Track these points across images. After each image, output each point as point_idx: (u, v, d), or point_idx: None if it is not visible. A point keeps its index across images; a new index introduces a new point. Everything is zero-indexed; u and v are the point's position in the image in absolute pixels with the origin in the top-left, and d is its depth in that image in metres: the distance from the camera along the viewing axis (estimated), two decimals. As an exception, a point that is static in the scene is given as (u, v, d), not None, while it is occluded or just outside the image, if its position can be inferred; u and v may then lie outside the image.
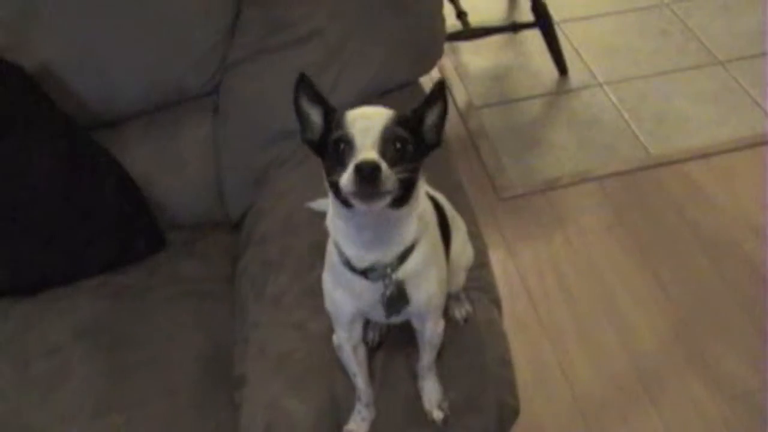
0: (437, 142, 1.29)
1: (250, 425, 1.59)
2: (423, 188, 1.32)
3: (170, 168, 2.17)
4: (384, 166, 1.12)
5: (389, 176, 1.13)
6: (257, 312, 1.79)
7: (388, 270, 1.31)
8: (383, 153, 1.15)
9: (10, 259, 1.97)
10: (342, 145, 1.18)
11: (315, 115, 1.28)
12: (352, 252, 1.31)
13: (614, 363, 2.60)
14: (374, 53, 2.10)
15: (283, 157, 2.04)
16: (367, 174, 1.11)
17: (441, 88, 1.27)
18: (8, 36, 2.00)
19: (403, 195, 1.20)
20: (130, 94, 2.14)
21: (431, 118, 1.27)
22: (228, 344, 1.83)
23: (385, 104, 1.26)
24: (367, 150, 1.15)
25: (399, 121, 1.19)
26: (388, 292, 1.33)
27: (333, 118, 1.24)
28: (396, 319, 1.43)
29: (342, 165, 1.16)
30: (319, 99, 1.27)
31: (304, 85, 1.28)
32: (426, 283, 1.37)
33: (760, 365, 2.54)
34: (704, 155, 3.31)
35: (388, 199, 1.15)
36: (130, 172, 2.08)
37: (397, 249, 1.30)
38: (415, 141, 1.21)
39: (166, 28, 2.09)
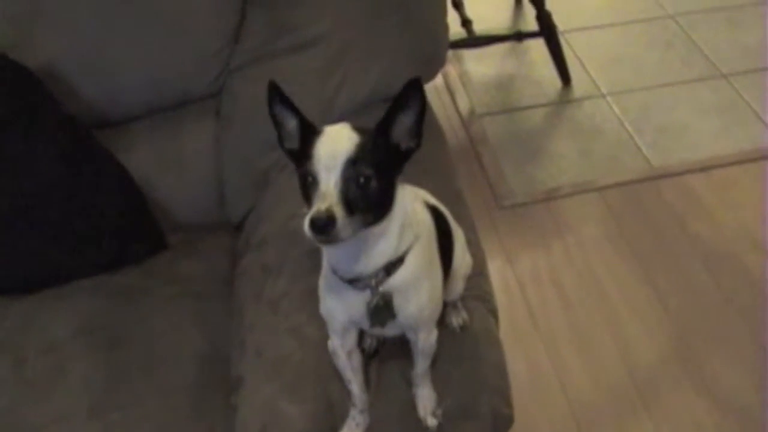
0: (416, 145, 1.26)
1: (245, 427, 1.60)
2: (405, 199, 1.30)
3: (172, 169, 2.17)
4: (340, 214, 1.14)
5: (345, 225, 1.15)
6: (255, 315, 1.80)
7: (373, 281, 1.31)
8: (345, 193, 1.17)
9: (10, 257, 1.97)
10: (309, 179, 1.20)
11: (291, 125, 1.29)
12: (336, 262, 1.33)
13: (611, 373, 2.60)
14: (377, 60, 2.10)
15: (284, 161, 2.03)
16: (321, 228, 1.13)
17: (416, 86, 1.22)
18: (13, 34, 2.01)
19: (376, 217, 1.22)
20: (134, 95, 2.15)
21: (405, 121, 1.24)
22: (225, 345, 1.83)
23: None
24: (327, 194, 1.16)
25: (364, 150, 1.19)
26: (372, 303, 1.33)
27: (308, 131, 1.25)
28: (387, 332, 1.43)
29: (308, 200, 1.20)
30: (293, 108, 1.28)
31: (276, 93, 1.29)
32: (416, 296, 1.36)
33: (758, 379, 2.54)
34: (705, 168, 3.32)
35: (347, 240, 1.17)
36: (132, 173, 2.08)
37: (378, 261, 1.30)
38: (385, 163, 1.21)
39: (170, 31, 2.10)
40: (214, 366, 1.81)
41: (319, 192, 1.17)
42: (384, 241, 1.28)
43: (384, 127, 1.24)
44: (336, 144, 1.20)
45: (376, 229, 1.25)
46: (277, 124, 1.31)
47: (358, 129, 1.23)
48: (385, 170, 1.21)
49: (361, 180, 1.18)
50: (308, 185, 1.20)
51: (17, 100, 1.92)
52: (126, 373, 1.79)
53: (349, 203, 1.16)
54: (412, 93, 1.22)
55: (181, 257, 2.10)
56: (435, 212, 1.48)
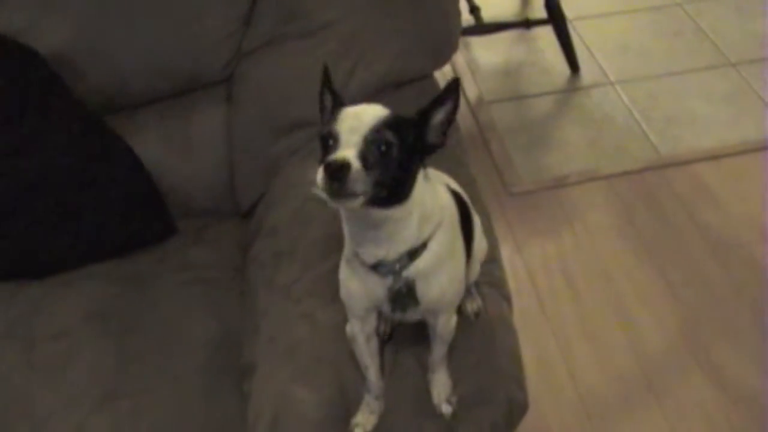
0: (442, 142, 1.27)
1: (258, 414, 1.59)
2: (425, 189, 1.29)
3: (182, 155, 2.16)
4: (356, 165, 1.12)
5: (359, 177, 1.12)
6: (267, 301, 1.79)
7: (397, 266, 1.30)
8: (365, 154, 1.15)
9: (19, 242, 1.96)
10: (330, 141, 1.18)
11: (330, 107, 1.30)
12: (358, 246, 1.32)
13: (620, 362, 2.59)
14: (389, 46, 2.09)
15: (295, 146, 2.04)
16: (334, 172, 1.11)
17: (455, 87, 1.24)
18: (23, 19, 1.99)
19: (391, 195, 1.20)
20: (144, 81, 2.13)
21: (439, 117, 1.25)
22: (236, 332, 1.83)
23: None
24: (347, 148, 1.15)
25: (390, 124, 1.18)
26: (395, 288, 1.33)
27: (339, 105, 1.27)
28: (408, 317, 1.42)
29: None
30: (333, 92, 1.30)
31: (325, 78, 1.30)
32: (438, 281, 1.36)
33: (766, 367, 2.53)
34: (714, 157, 3.31)
35: (359, 200, 1.14)
36: (142, 158, 2.07)
37: (400, 247, 1.29)
38: (409, 143, 1.20)
39: (181, 15, 2.08)
40: (225, 352, 1.80)
41: (339, 148, 1.16)
42: (405, 229, 1.27)
43: (424, 115, 1.25)
44: (365, 111, 1.20)
45: (392, 215, 1.24)
46: (323, 108, 1.32)
47: (390, 110, 1.23)
48: (408, 151, 1.20)
49: (383, 147, 1.16)
50: (329, 147, 1.18)
51: (28, 85, 1.91)
52: (136, 359, 1.79)
53: (366, 163, 1.14)
54: (451, 93, 1.24)
55: (192, 243, 2.09)
56: (456, 197, 1.47)
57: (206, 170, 2.18)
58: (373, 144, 1.16)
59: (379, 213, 1.22)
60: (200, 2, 2.08)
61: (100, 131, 2.02)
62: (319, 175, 1.12)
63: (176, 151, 2.16)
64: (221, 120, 2.17)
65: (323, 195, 1.14)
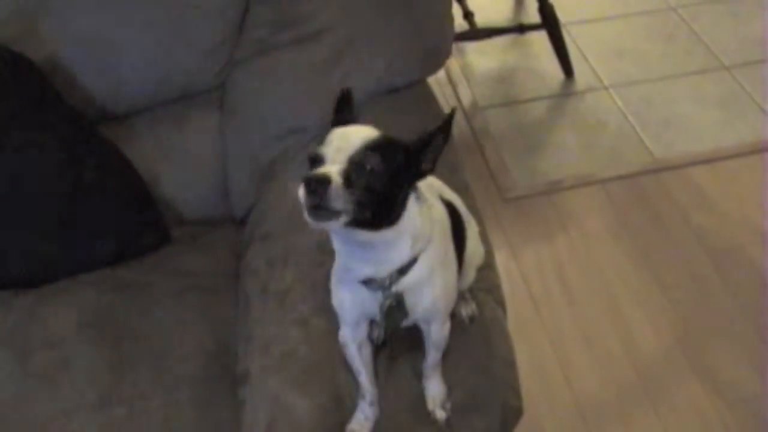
0: (431, 168, 1.26)
1: (252, 421, 1.59)
2: (417, 211, 1.29)
3: (176, 163, 2.16)
4: (337, 180, 1.11)
5: (339, 193, 1.11)
6: (261, 308, 1.79)
7: (387, 282, 1.31)
8: (349, 174, 1.14)
9: (15, 251, 1.96)
10: (317, 160, 1.18)
11: None
12: (349, 264, 1.32)
13: (616, 366, 2.59)
14: (383, 51, 2.09)
15: (289, 153, 2.04)
16: (314, 185, 1.10)
17: (450, 120, 1.24)
18: (17, 27, 1.99)
19: (376, 218, 1.19)
20: (137, 89, 2.13)
21: (433, 146, 1.25)
22: (231, 339, 1.83)
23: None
24: (331, 166, 1.14)
25: (379, 147, 1.18)
26: (386, 306, 1.33)
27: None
28: (402, 324, 1.42)
29: None
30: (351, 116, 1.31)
31: (345, 99, 1.33)
32: (428, 292, 1.36)
33: (761, 371, 2.54)
34: (709, 160, 3.31)
35: (340, 220, 1.13)
36: (136, 166, 2.07)
37: (391, 266, 1.30)
38: (398, 168, 1.20)
39: (174, 23, 2.08)
40: (220, 360, 1.80)
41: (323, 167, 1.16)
42: (396, 251, 1.28)
43: (421, 146, 1.24)
44: (354, 132, 1.20)
45: (386, 237, 1.24)
46: None
47: (382, 132, 1.23)
48: (396, 175, 1.20)
49: (368, 167, 1.16)
50: (315, 167, 1.17)
51: (21, 93, 1.90)
52: (131, 367, 1.78)
53: (349, 181, 1.13)
54: (447, 124, 1.24)
55: (186, 251, 2.08)
56: (449, 207, 1.48)
57: (200, 177, 2.18)
58: (359, 165, 1.15)
59: (366, 235, 1.22)
60: (193, 9, 2.08)
61: (94, 139, 2.02)
62: (300, 190, 1.12)
63: (169, 158, 2.16)
64: (214, 127, 2.17)
65: (306, 218, 1.14)
